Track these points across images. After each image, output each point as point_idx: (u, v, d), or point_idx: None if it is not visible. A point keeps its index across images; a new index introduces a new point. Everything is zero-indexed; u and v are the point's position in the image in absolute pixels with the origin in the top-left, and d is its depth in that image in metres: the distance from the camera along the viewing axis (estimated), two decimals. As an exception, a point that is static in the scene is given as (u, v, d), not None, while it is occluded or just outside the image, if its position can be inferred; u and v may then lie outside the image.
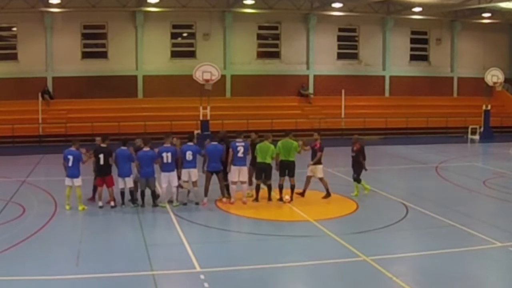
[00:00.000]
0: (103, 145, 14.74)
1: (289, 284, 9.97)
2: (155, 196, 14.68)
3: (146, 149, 14.58)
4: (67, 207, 14.24)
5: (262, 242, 11.92)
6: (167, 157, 14.47)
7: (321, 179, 15.77)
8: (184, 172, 14.75)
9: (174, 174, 14.60)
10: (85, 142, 16.75)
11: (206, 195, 14.91)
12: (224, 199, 15.09)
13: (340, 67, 36.10)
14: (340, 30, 36.04)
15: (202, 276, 9.64)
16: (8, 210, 14.26)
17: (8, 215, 13.66)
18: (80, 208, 14.26)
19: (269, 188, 15.28)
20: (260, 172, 15.07)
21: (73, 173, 14.25)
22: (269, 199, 15.30)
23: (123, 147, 14.71)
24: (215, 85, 28.94)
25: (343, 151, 28.23)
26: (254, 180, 15.47)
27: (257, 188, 15.20)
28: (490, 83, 33.01)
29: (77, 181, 14.32)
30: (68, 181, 14.26)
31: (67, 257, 10.59)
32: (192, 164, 14.69)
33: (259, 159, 15.01)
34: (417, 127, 33.73)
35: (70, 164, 14.21)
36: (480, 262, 10.77)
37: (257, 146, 15.09)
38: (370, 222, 13.22)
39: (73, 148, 14.48)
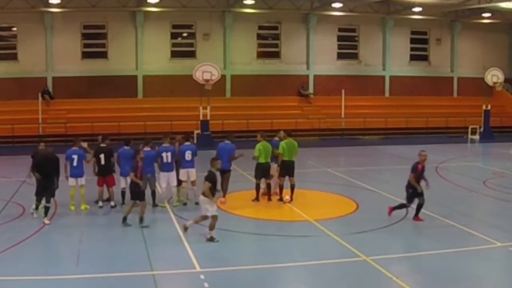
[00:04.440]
0: (103, 144, 14.76)
1: (289, 284, 9.97)
2: (155, 196, 14.68)
3: (147, 149, 14.58)
4: (72, 207, 14.18)
5: (262, 242, 11.93)
6: (166, 156, 14.49)
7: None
8: (183, 172, 14.76)
9: (173, 174, 14.61)
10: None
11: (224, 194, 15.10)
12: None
13: (340, 67, 36.10)
14: (340, 30, 36.03)
15: (202, 276, 9.64)
16: (8, 210, 14.26)
17: (8, 215, 13.67)
18: (82, 207, 14.27)
19: (269, 188, 15.29)
20: (262, 172, 15.08)
21: (77, 172, 14.21)
22: (269, 199, 15.31)
23: (125, 147, 14.73)
24: (215, 85, 28.93)
25: (343, 151, 28.47)
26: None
27: (257, 188, 15.21)
28: (490, 83, 33.00)
29: (81, 181, 14.32)
30: (72, 181, 14.20)
31: (67, 257, 10.60)
32: (190, 164, 14.71)
33: (262, 160, 14.99)
34: (417, 127, 33.71)
35: (75, 163, 14.16)
36: (480, 262, 10.77)
37: (260, 146, 15.06)
38: (370, 222, 13.21)
39: (76, 148, 14.47)
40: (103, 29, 32.67)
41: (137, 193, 12.78)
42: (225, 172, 14.98)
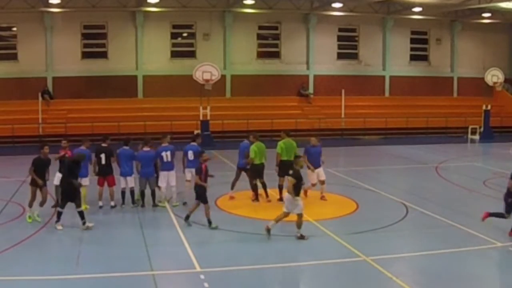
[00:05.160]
0: (104, 144, 14.76)
1: (289, 284, 9.97)
2: (155, 196, 14.68)
3: (147, 149, 14.60)
4: None
5: (262, 242, 11.91)
6: (166, 156, 14.51)
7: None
8: (186, 172, 14.83)
9: (172, 173, 14.63)
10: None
11: (231, 188, 15.50)
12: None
13: (340, 67, 36.10)
14: (340, 30, 36.05)
15: (202, 276, 9.64)
16: (8, 210, 14.27)
17: (8, 215, 13.67)
18: (83, 207, 14.22)
19: (265, 186, 15.30)
20: (258, 172, 15.11)
21: (83, 172, 14.10)
22: (267, 196, 15.29)
23: (125, 147, 14.74)
24: (215, 85, 28.95)
25: (343, 151, 28.47)
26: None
27: (255, 188, 15.25)
28: (490, 83, 33.03)
29: (85, 181, 14.30)
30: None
31: (67, 257, 10.59)
32: (194, 163, 14.68)
33: (257, 161, 15.02)
34: (417, 127, 33.72)
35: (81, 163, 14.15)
36: (480, 262, 10.77)
37: (254, 147, 15.08)
38: (370, 222, 13.21)
39: (83, 147, 14.45)
40: (103, 29, 32.69)
41: (201, 196, 12.74)
42: (239, 169, 15.46)
